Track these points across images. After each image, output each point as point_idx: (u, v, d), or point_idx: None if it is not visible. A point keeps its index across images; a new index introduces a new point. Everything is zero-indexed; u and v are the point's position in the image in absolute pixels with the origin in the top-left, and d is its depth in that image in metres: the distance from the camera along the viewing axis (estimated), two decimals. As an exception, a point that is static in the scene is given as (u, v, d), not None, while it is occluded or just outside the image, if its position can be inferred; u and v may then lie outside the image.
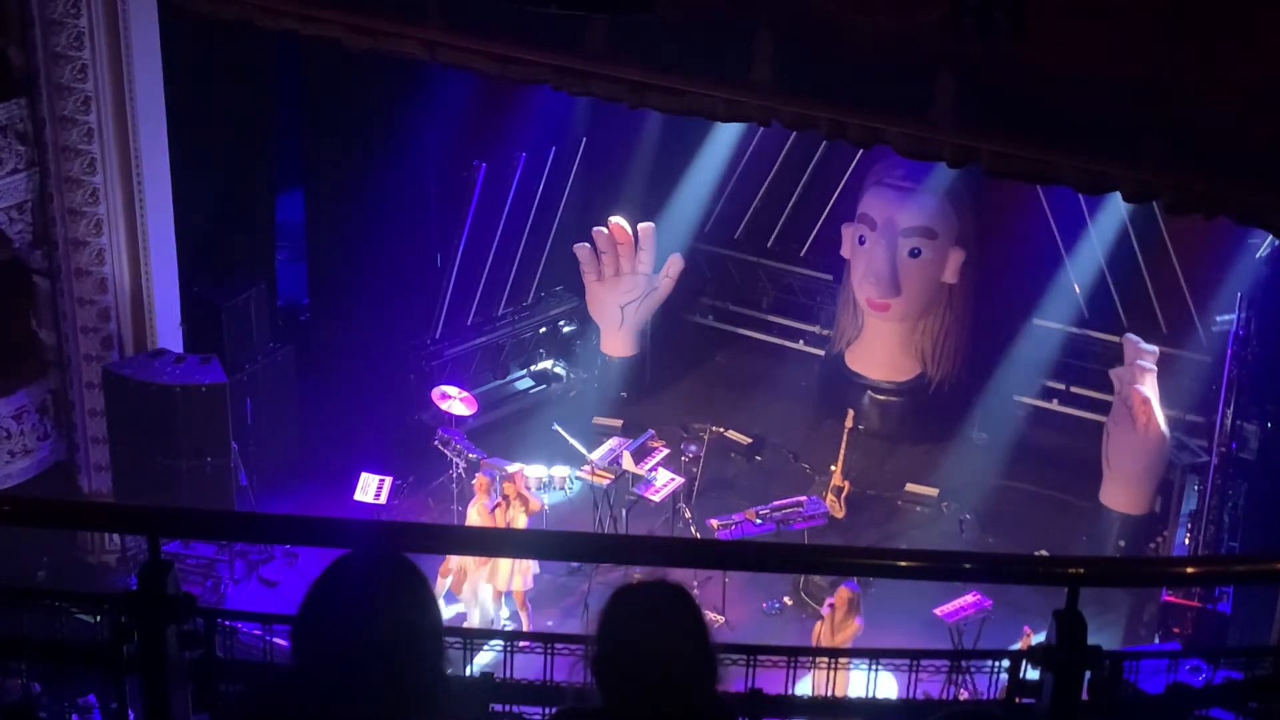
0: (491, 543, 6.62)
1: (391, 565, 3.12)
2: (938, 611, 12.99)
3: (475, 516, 13.72)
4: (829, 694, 4.54)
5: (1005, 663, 4.19)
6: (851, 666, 5.69)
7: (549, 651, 4.44)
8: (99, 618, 4.17)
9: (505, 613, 13.79)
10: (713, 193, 18.45)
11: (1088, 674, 3.93)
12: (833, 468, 15.49)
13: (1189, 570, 6.70)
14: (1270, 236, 12.68)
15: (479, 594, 13.64)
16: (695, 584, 13.83)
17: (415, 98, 16.25)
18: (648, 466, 15.17)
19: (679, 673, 3.23)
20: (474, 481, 14.01)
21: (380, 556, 3.14)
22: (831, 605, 12.63)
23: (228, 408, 14.09)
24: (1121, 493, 15.04)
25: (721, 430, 16.78)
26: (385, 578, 3.09)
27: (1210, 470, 13.79)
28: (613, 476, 14.95)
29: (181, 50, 13.97)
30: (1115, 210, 16.00)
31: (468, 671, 4.45)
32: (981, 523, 15.70)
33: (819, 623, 12.73)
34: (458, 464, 15.01)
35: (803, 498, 14.76)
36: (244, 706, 3.83)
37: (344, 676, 2.98)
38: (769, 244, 19.14)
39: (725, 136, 17.67)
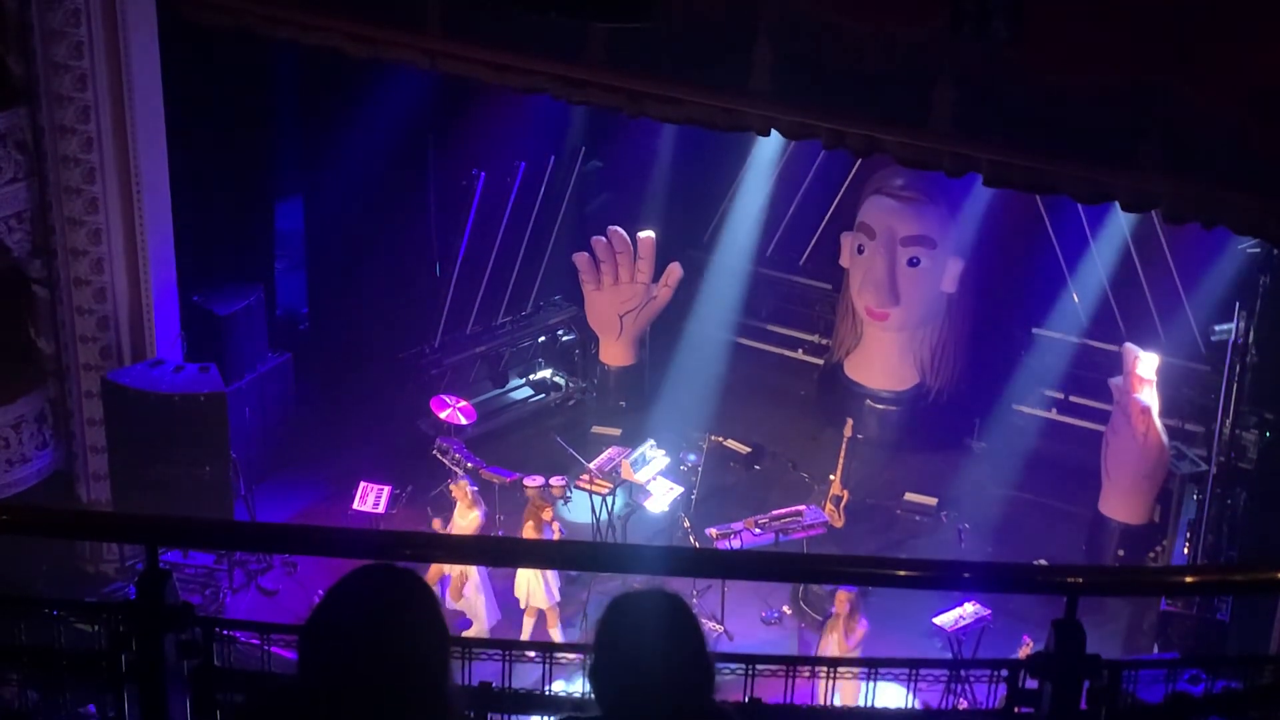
0: (493, 553, 6.61)
1: (398, 579, 3.12)
2: (937, 621, 12.98)
3: (466, 529, 13.65)
4: (830, 704, 4.53)
5: (1004, 672, 4.19)
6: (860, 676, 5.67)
7: (548, 660, 4.44)
8: (97, 627, 4.17)
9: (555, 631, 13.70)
10: (720, 203, 18.46)
11: (1086, 683, 3.92)
12: (832, 477, 15.47)
13: (1188, 580, 6.68)
14: (1269, 245, 12.65)
15: (477, 600, 13.61)
16: (694, 593, 13.83)
17: (414, 106, 16.27)
18: (646, 476, 15.15)
19: (676, 682, 3.22)
20: (454, 487, 13.88)
21: (387, 570, 3.14)
22: (834, 613, 12.57)
23: (226, 417, 14.08)
24: (1121, 502, 15.02)
25: (720, 439, 16.78)
26: (391, 591, 3.10)
27: (1209, 479, 13.77)
28: (611, 486, 14.92)
29: (180, 59, 13.97)
30: (1114, 219, 16.02)
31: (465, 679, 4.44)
32: (980, 532, 15.68)
33: (829, 632, 12.62)
34: (456, 473, 14.99)
35: (802, 507, 14.73)
36: (244, 716, 3.82)
37: (347, 689, 2.98)
38: (768, 252, 19.15)
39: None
